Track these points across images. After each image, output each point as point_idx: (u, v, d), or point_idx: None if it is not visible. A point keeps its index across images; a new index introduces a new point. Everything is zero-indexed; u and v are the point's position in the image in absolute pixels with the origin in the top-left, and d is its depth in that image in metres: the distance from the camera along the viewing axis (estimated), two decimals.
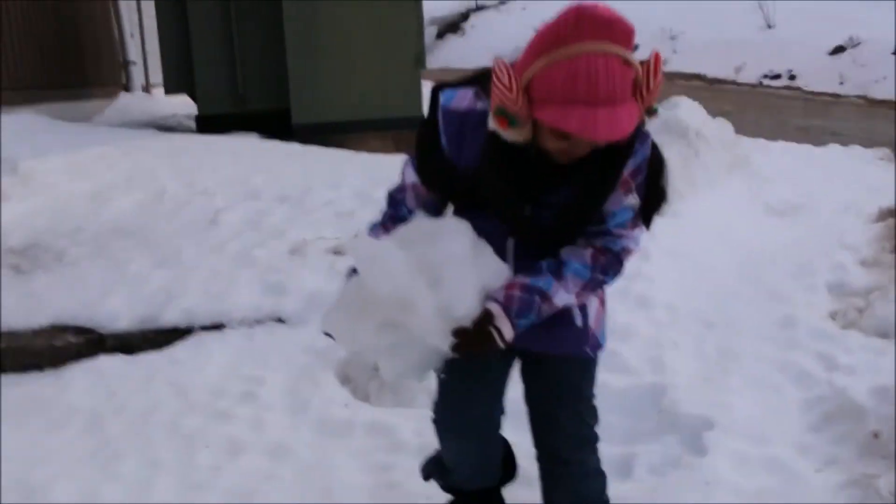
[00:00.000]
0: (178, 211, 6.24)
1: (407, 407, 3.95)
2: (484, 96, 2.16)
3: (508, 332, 2.17)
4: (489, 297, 2.17)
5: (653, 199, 2.26)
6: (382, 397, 4.04)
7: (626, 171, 2.17)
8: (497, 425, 2.66)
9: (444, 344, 2.13)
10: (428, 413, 2.71)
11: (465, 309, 2.13)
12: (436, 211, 2.35)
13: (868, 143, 10.42)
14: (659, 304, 4.80)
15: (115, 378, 4.29)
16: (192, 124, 10.53)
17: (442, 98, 2.24)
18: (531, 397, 2.58)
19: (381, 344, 2.20)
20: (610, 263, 2.25)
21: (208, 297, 4.92)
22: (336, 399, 3.97)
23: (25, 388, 4.28)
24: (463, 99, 2.22)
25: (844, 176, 8.18)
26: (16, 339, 4.61)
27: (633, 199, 2.21)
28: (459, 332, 2.12)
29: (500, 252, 2.24)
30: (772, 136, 10.76)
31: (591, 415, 2.57)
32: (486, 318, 2.15)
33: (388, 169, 7.32)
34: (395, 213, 2.39)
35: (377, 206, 6.45)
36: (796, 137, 11.26)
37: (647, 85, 2.03)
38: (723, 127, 8.10)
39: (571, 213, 2.18)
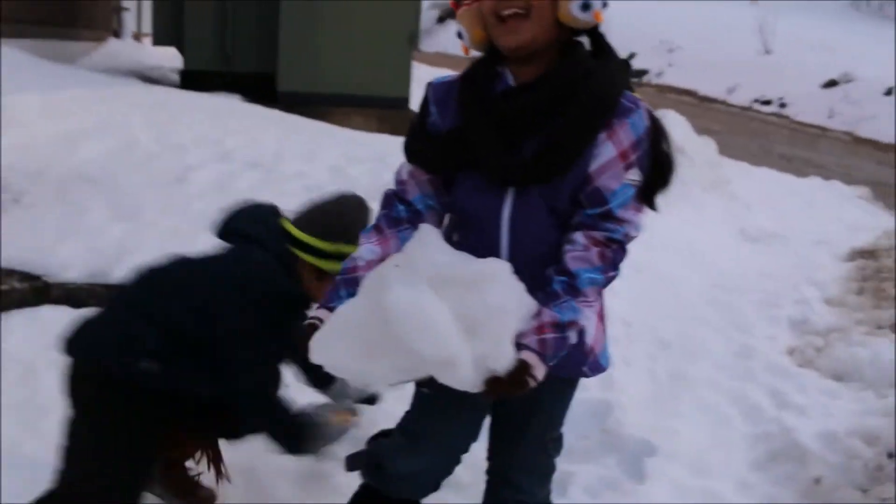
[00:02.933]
0: (146, 164, 6.11)
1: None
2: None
3: (542, 376, 2.01)
4: (522, 343, 1.99)
5: (658, 170, 2.12)
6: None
7: (626, 143, 2.05)
8: (467, 450, 2.54)
9: (473, 390, 1.98)
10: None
11: (504, 362, 1.97)
12: (437, 196, 2.24)
13: (849, 179, 10.45)
14: (615, 318, 4.71)
15: (55, 330, 4.17)
16: (177, 78, 10.39)
17: (432, 81, 2.26)
18: (499, 411, 2.45)
19: (389, 376, 2.06)
20: (616, 255, 2.09)
21: (162, 257, 4.80)
22: None
23: None
24: (450, 76, 2.24)
25: (822, 210, 8.17)
26: None
27: (634, 175, 2.06)
28: (492, 382, 1.96)
29: (498, 206, 2.13)
30: (756, 160, 10.77)
31: (556, 447, 2.48)
32: (522, 369, 1.98)
33: (367, 147, 7.27)
34: (389, 213, 2.24)
35: (350, 183, 6.36)
36: (780, 165, 11.27)
37: None
38: (707, 145, 8.07)
39: (557, 144, 2.05)
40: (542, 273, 2.08)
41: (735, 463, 3.63)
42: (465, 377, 1.95)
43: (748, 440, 3.82)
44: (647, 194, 2.13)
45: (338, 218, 2.72)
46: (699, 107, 17.86)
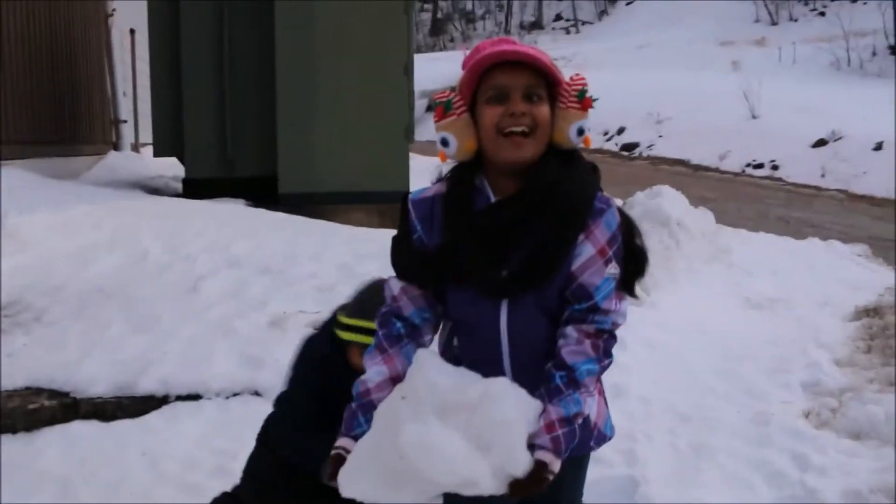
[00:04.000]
0: (159, 275, 6.25)
1: None
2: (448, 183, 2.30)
3: (558, 468, 2.15)
4: (536, 444, 2.12)
5: (633, 262, 2.30)
6: None
7: (602, 240, 2.22)
8: None
9: (498, 493, 2.11)
10: None
11: (522, 466, 2.10)
12: (431, 309, 2.33)
13: (847, 237, 10.57)
14: (633, 396, 4.82)
15: (87, 445, 4.27)
16: (179, 186, 10.56)
17: (410, 197, 2.34)
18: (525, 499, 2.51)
19: (417, 499, 2.15)
20: (608, 343, 2.24)
21: (185, 366, 4.92)
22: None
23: None
24: (429, 190, 2.33)
25: (823, 271, 8.26)
26: None
27: (613, 269, 2.23)
28: (514, 485, 2.08)
29: (495, 316, 2.24)
30: (753, 225, 10.91)
31: None
32: (540, 469, 2.11)
33: (372, 243, 7.40)
34: (389, 332, 2.32)
35: (358, 281, 6.46)
36: (777, 228, 11.41)
37: (562, 81, 2.25)
38: (704, 216, 8.20)
39: (543, 254, 2.19)
40: (542, 366, 2.22)
41: None
42: (487, 488, 2.08)
43: None
44: (626, 284, 2.30)
45: (373, 298, 2.93)
46: (693, 176, 18.10)
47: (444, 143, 2.26)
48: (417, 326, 2.32)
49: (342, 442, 2.23)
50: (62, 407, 4.60)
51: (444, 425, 2.08)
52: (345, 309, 3.13)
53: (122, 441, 4.28)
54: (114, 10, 13.49)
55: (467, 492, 2.09)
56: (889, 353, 5.57)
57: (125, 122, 13.75)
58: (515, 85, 2.20)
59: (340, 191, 9.64)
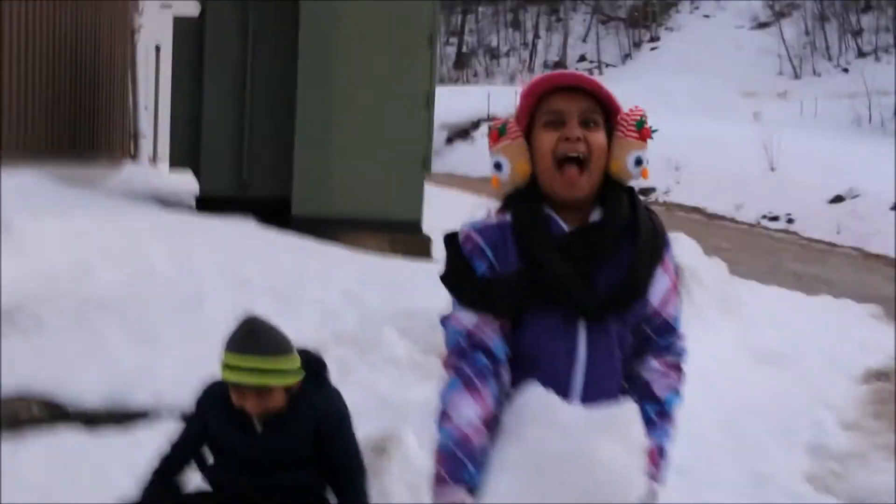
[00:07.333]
0: (164, 291, 6.21)
1: None
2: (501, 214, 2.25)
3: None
4: (647, 473, 2.13)
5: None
6: None
7: (674, 273, 2.27)
8: None
9: None
10: None
11: (643, 495, 2.11)
12: (506, 345, 2.20)
13: (860, 296, 10.47)
14: None
15: (74, 455, 4.21)
16: (192, 203, 10.56)
17: (468, 227, 2.25)
18: None
19: None
20: (683, 377, 2.29)
21: (181, 384, 4.83)
22: None
23: None
24: (489, 219, 2.26)
25: (834, 330, 8.18)
26: None
27: (679, 300, 2.29)
28: None
29: (573, 344, 2.18)
30: (765, 278, 10.83)
31: None
32: (652, 497, 2.15)
33: (380, 271, 7.36)
34: (474, 366, 2.14)
35: (364, 308, 6.39)
36: (789, 283, 11.32)
37: (621, 110, 2.25)
38: (718, 266, 8.14)
39: (632, 275, 2.18)
40: (607, 398, 2.17)
41: None
42: None
43: None
44: None
45: (236, 332, 3.23)
46: (708, 224, 18.04)
47: (498, 167, 2.23)
48: (500, 361, 2.17)
49: (457, 495, 2.05)
50: (51, 415, 4.55)
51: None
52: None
53: (109, 454, 4.21)
54: (141, 25, 13.58)
55: None
56: None
57: (144, 136, 13.81)
58: (572, 110, 2.17)
59: (353, 217, 9.59)
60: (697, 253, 7.71)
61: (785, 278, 11.92)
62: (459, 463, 2.06)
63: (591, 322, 2.18)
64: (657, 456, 2.19)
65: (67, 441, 4.38)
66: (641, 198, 2.32)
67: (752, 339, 7.17)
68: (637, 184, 2.32)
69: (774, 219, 19.23)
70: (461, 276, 2.22)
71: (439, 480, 2.07)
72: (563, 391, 2.15)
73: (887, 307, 9.88)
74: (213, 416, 3.38)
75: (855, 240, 16.98)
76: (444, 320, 2.25)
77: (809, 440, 5.16)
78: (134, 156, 13.61)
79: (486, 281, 2.20)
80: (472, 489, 2.06)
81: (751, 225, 19.04)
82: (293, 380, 3.25)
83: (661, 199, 22.27)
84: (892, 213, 17.28)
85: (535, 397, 2.11)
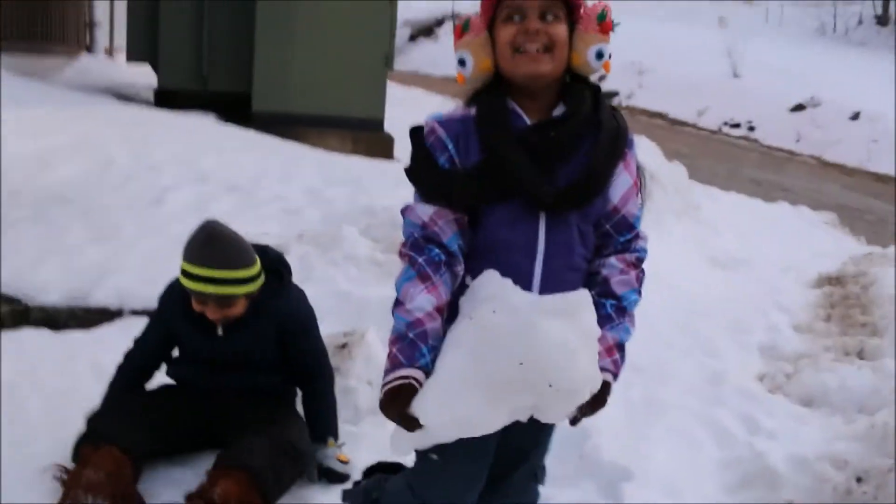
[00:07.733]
0: (123, 184, 6.14)
1: None
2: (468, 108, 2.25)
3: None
4: (600, 366, 2.18)
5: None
6: None
7: (635, 171, 2.30)
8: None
9: (568, 419, 2.20)
10: None
11: (597, 386, 2.16)
12: (464, 237, 2.22)
13: (816, 204, 10.61)
14: None
15: (36, 353, 4.19)
16: (151, 96, 10.38)
17: (432, 119, 2.25)
18: (505, 449, 2.42)
19: (500, 421, 2.14)
20: (642, 275, 2.33)
21: (142, 280, 4.83)
22: None
23: None
24: (454, 112, 2.27)
25: (790, 236, 8.29)
26: None
27: (639, 198, 2.32)
28: (584, 407, 2.18)
29: (533, 236, 2.19)
30: (725, 184, 10.90)
31: (543, 474, 2.58)
32: (606, 390, 2.22)
33: (343, 169, 7.31)
34: (429, 258, 2.16)
35: (326, 206, 6.37)
36: (748, 189, 11.42)
37: (583, 4, 2.22)
38: (677, 171, 8.17)
39: (591, 169, 2.19)
40: (565, 291, 2.20)
41: (708, 487, 3.70)
42: (576, 404, 2.13)
43: (720, 465, 3.89)
44: None
45: (193, 241, 3.32)
46: (670, 130, 18.03)
47: (462, 62, 2.24)
48: (454, 254, 2.19)
49: (409, 372, 2.10)
50: (12, 313, 4.51)
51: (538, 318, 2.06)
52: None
53: (71, 351, 4.20)
54: None
55: (556, 408, 2.12)
56: (848, 322, 5.59)
57: (99, 25, 13.44)
58: (532, 5, 2.16)
59: (314, 113, 9.51)
60: (658, 157, 7.73)
61: (744, 185, 12.00)
62: (414, 347, 2.12)
63: (552, 216, 2.20)
64: (614, 350, 2.24)
65: (29, 339, 4.36)
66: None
67: (709, 243, 7.24)
68: (601, 85, 2.33)
69: (736, 126, 19.23)
70: (422, 169, 2.23)
71: (393, 362, 2.13)
72: (522, 283, 2.17)
73: (842, 215, 10.03)
74: (175, 317, 3.38)
75: (814, 148, 17.08)
76: (404, 211, 2.26)
77: (763, 341, 5.26)
78: (89, 47, 13.27)
79: (445, 173, 2.21)
80: (426, 370, 2.11)
81: (712, 131, 19.06)
82: (253, 288, 3.25)
83: (623, 104, 22.21)
84: (852, 122, 17.38)
85: (490, 280, 2.15)
